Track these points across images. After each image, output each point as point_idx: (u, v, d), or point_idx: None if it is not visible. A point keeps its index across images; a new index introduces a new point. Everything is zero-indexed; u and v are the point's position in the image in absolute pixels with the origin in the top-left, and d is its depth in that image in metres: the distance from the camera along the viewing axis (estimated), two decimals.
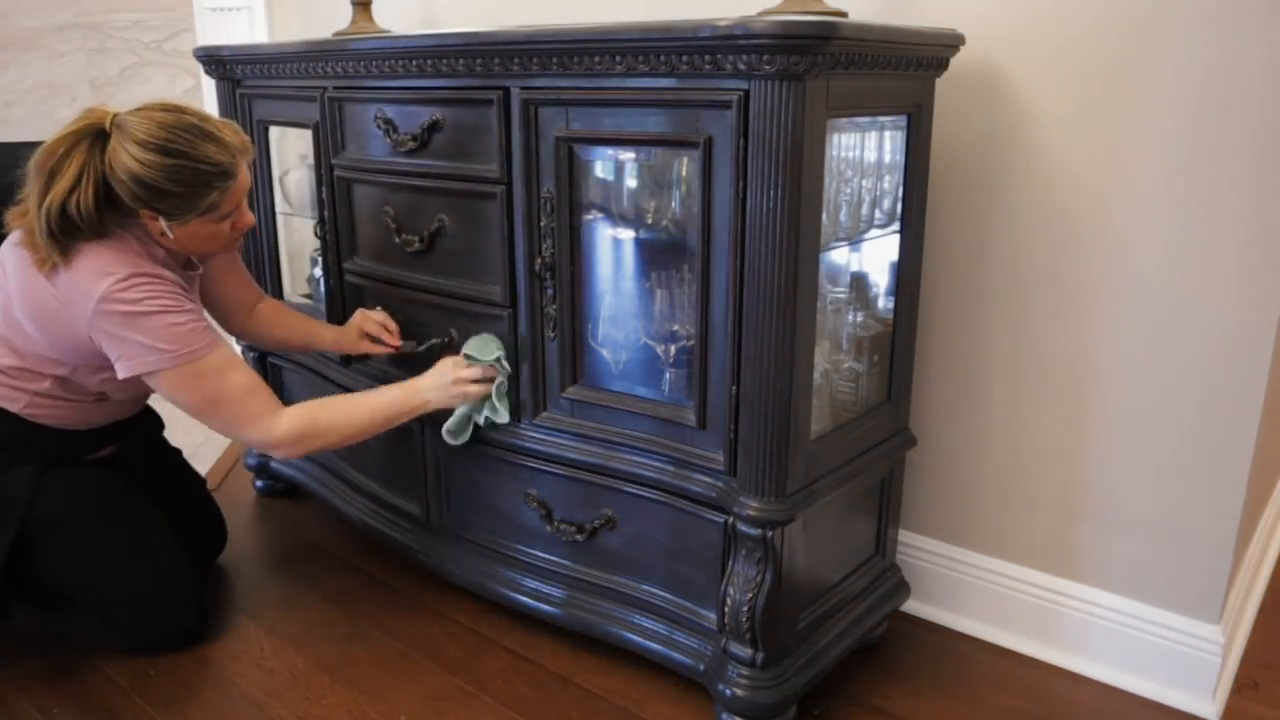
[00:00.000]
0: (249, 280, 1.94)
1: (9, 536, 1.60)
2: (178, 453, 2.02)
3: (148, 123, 1.50)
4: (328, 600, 1.88)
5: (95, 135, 1.52)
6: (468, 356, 1.64)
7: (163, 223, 1.54)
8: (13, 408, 1.62)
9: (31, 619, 1.76)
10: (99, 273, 1.51)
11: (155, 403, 1.83)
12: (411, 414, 1.67)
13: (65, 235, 1.51)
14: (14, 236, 1.61)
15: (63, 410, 1.65)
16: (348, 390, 1.92)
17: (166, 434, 2.00)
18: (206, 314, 1.71)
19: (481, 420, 1.67)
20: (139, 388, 1.65)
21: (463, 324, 1.70)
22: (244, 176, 1.59)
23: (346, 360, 1.98)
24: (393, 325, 1.83)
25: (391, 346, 1.82)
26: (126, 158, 1.49)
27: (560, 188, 1.49)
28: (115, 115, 1.53)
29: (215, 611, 1.84)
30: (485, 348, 1.63)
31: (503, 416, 1.64)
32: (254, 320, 1.94)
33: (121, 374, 1.54)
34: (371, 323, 1.84)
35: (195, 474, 2.04)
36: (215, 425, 1.62)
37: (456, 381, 1.64)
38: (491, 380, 1.63)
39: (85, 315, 1.51)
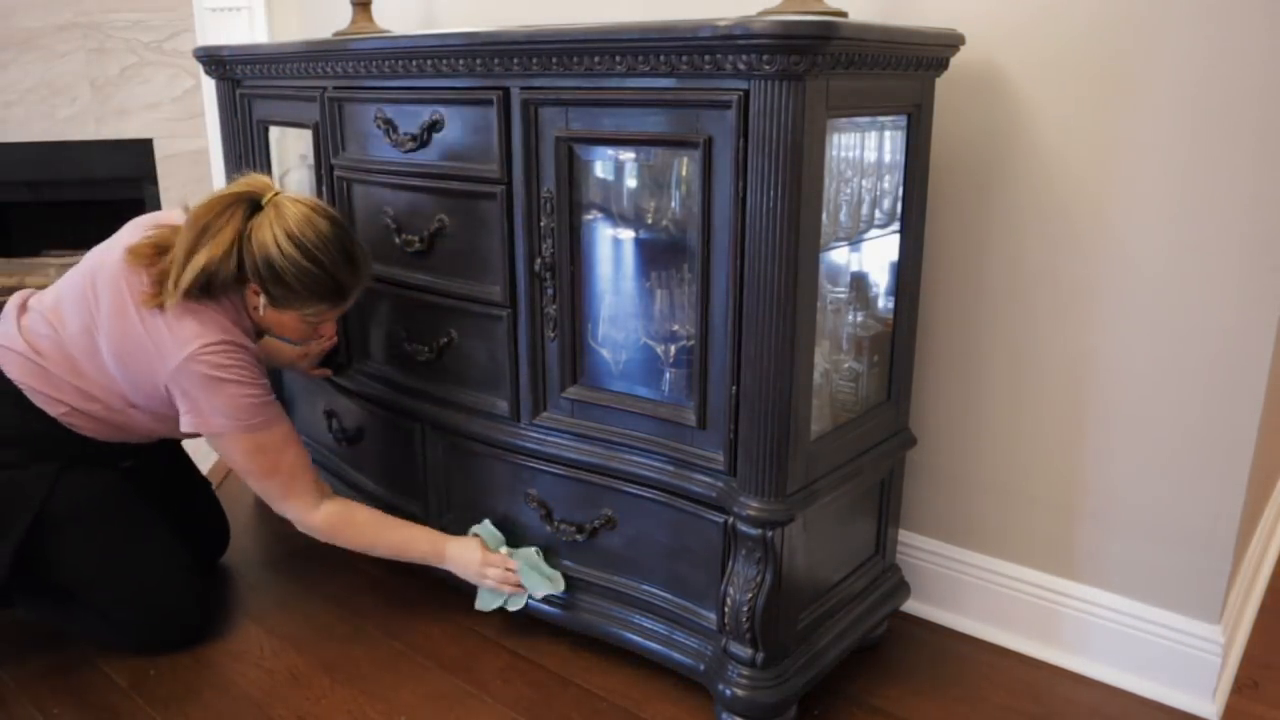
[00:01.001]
0: None
1: (22, 529, 1.61)
2: (188, 458, 2.02)
3: (304, 221, 1.57)
4: (328, 600, 1.88)
5: (251, 204, 1.59)
6: (477, 534, 1.72)
7: (262, 299, 1.62)
8: (51, 411, 1.63)
9: (35, 613, 1.77)
10: (194, 333, 1.57)
11: None
12: (425, 563, 1.75)
13: (197, 291, 1.57)
14: (118, 263, 1.63)
15: (98, 426, 1.67)
16: (351, 391, 1.95)
17: None
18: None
19: (510, 605, 1.69)
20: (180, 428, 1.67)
21: (463, 324, 1.70)
22: (350, 302, 1.69)
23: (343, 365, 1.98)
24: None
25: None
26: (269, 238, 1.55)
27: (560, 188, 1.49)
28: (278, 194, 1.60)
29: (216, 612, 1.84)
30: (492, 537, 1.71)
31: (542, 591, 1.65)
32: None
33: (184, 427, 1.62)
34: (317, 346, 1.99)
35: (202, 476, 2.05)
36: (257, 489, 1.70)
37: (483, 566, 1.69)
38: (513, 575, 1.67)
39: (169, 366, 1.57)
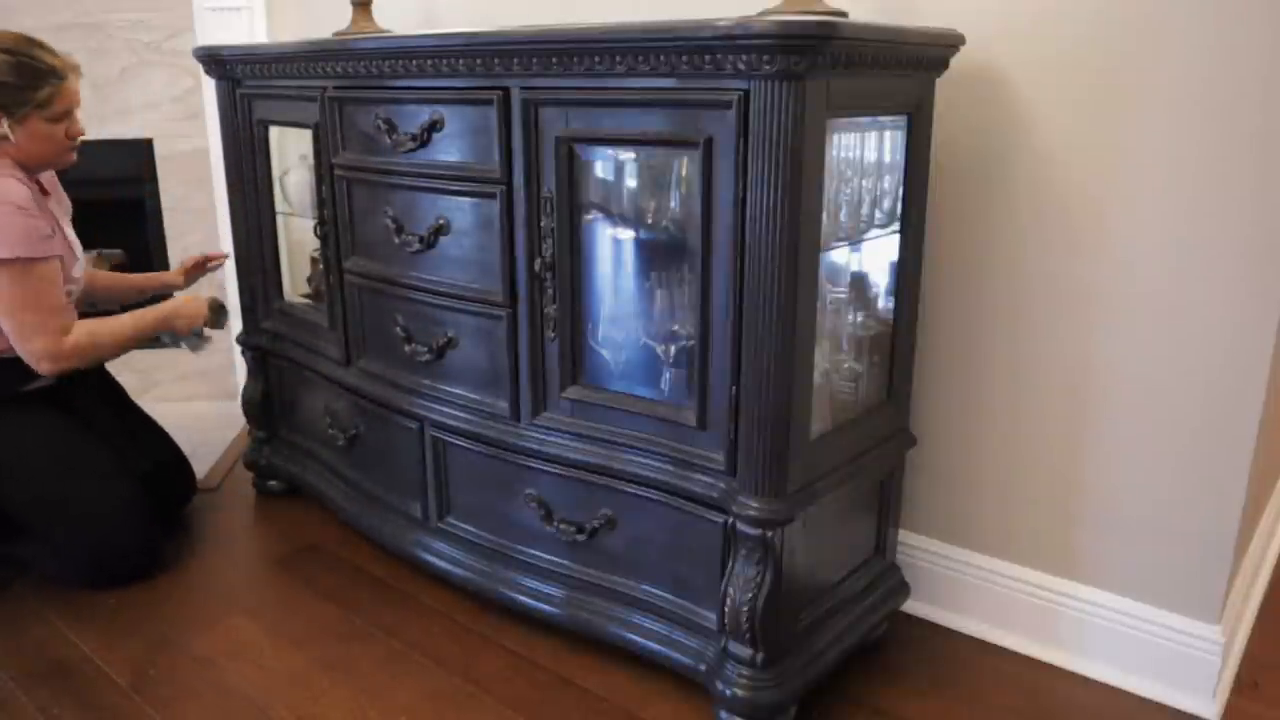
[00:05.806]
0: None
1: None
2: (139, 409, 2.18)
3: None
4: (328, 600, 1.88)
5: None
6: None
7: (5, 123, 1.77)
8: None
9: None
10: None
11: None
12: (162, 327, 1.96)
13: None
14: None
15: None
16: (352, 391, 1.96)
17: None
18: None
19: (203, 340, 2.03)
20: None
21: (463, 324, 1.70)
22: (73, 84, 1.84)
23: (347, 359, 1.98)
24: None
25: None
26: None
27: (560, 188, 1.49)
28: None
29: (215, 611, 1.84)
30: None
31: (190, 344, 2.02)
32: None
33: None
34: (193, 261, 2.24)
35: (159, 426, 2.19)
36: (11, 324, 1.79)
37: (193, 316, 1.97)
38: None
39: None
